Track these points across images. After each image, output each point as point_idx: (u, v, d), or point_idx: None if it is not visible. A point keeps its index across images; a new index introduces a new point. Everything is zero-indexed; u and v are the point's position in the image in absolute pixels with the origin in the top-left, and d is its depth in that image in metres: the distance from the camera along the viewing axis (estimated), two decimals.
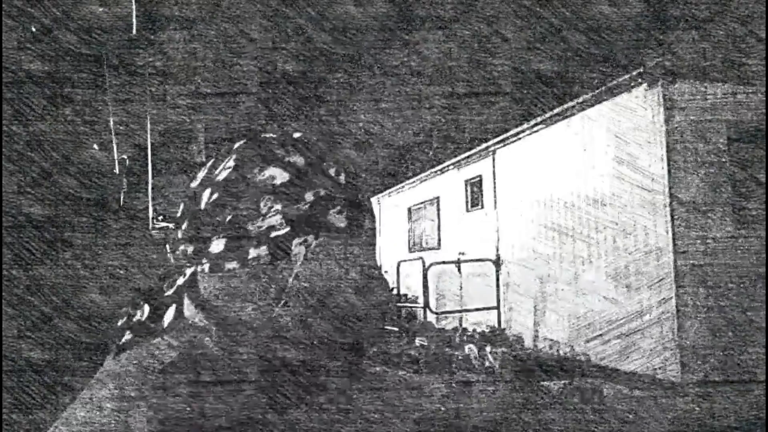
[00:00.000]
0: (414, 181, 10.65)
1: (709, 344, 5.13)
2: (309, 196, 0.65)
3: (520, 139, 7.73)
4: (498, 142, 8.12)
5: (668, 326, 5.23)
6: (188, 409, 0.64)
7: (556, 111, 6.88)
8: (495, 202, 8.23)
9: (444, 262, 8.61)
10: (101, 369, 0.69)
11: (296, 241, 0.64)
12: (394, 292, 9.11)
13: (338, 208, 0.66)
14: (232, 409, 0.66)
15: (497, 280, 7.96)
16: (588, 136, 6.47)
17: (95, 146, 3.84)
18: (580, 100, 6.48)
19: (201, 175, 0.69)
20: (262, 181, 0.64)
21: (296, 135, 0.69)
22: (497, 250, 8.10)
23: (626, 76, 5.82)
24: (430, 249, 9.80)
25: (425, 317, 8.61)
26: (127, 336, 0.68)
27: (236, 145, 0.69)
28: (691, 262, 5.23)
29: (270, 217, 0.63)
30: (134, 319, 0.70)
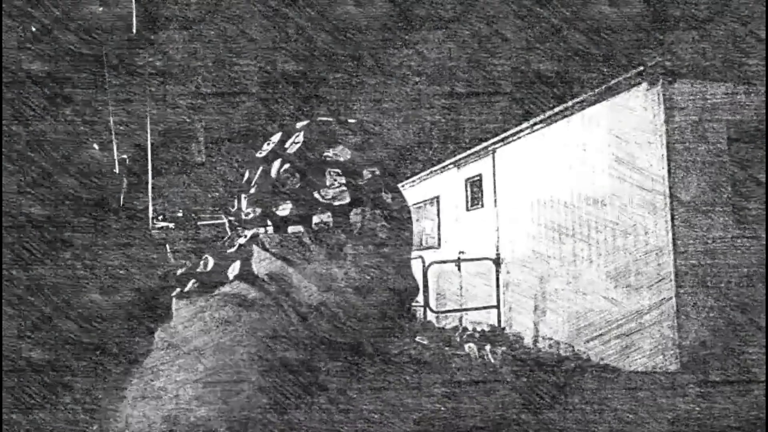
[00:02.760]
0: (414, 181, 10.65)
1: (709, 344, 5.13)
2: (366, 173, 0.75)
3: (520, 138, 7.73)
4: (498, 142, 8.12)
5: (668, 326, 5.23)
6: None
7: (556, 111, 6.88)
8: (495, 202, 8.23)
9: (444, 261, 8.61)
10: (171, 315, 0.73)
11: (355, 210, 0.73)
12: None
13: (387, 187, 0.76)
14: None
15: (497, 279, 7.96)
16: (588, 135, 6.47)
17: (95, 146, 3.84)
18: (580, 99, 6.48)
19: (268, 147, 0.78)
20: (328, 155, 0.74)
21: (351, 120, 0.80)
22: (497, 249, 8.10)
23: (626, 76, 5.82)
24: (430, 248, 9.80)
25: (425, 316, 8.61)
26: (192, 284, 0.75)
27: (300, 125, 0.79)
28: (691, 262, 5.23)
29: (334, 188, 0.72)
30: (197, 270, 0.77)
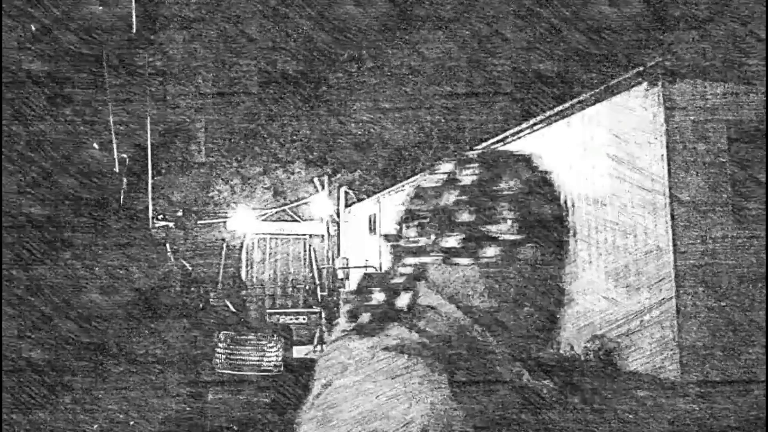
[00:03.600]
0: (413, 180, 10.65)
1: (709, 344, 5.13)
2: (546, 210, 0.75)
3: (520, 138, 7.73)
4: (498, 141, 8.11)
5: (668, 326, 5.23)
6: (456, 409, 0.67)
7: (556, 111, 6.88)
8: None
9: None
10: (342, 349, 0.73)
11: (524, 246, 0.72)
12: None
13: (566, 224, 0.77)
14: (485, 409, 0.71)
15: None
16: (588, 135, 6.47)
17: (95, 146, 3.85)
18: (580, 99, 6.48)
19: (439, 176, 0.77)
20: (501, 189, 0.74)
21: (517, 152, 0.79)
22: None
23: (626, 76, 5.81)
24: None
25: None
26: (365, 317, 0.74)
27: (473, 154, 0.78)
28: (691, 262, 5.23)
29: (506, 222, 0.72)
30: (370, 303, 0.76)
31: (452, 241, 0.72)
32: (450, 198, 0.74)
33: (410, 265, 0.76)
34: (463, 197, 0.73)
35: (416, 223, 0.76)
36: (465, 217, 0.72)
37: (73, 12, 3.55)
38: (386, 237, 0.82)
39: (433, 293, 0.74)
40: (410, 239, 0.76)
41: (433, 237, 0.74)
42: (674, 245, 5.23)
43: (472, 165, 0.76)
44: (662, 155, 5.38)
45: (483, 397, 0.71)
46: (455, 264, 0.72)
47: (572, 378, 5.41)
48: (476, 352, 0.73)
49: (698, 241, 5.29)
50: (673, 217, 5.26)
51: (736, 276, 5.28)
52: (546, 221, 0.76)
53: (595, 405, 4.38)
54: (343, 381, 0.67)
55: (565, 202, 0.80)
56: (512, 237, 0.72)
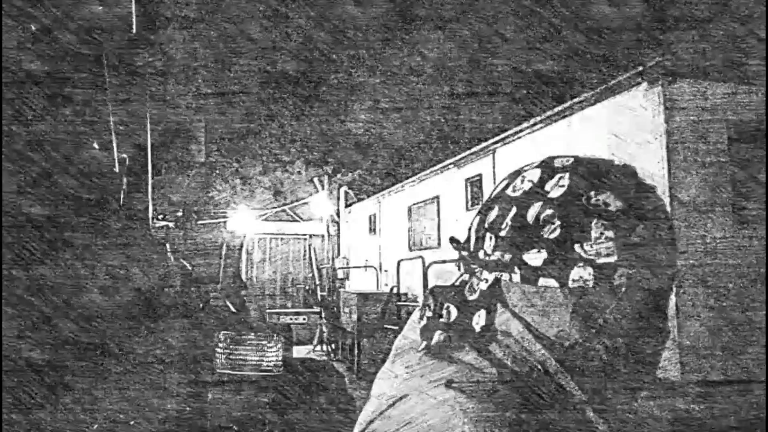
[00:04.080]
0: (414, 180, 10.65)
1: (709, 344, 5.13)
2: (641, 230, 0.67)
3: (520, 137, 7.73)
4: (498, 141, 8.12)
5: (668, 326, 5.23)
6: None
7: (556, 110, 6.88)
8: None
9: (444, 261, 8.61)
10: (411, 366, 0.69)
11: (621, 270, 0.65)
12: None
13: (665, 244, 0.71)
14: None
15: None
16: (588, 135, 6.47)
17: (95, 146, 3.84)
18: (580, 99, 6.48)
19: (524, 186, 0.70)
20: (596, 204, 0.65)
21: (617, 162, 0.72)
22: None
23: (626, 76, 5.81)
24: (429, 248, 9.80)
25: None
26: (439, 336, 0.69)
27: (563, 162, 0.70)
28: (691, 262, 5.23)
29: (600, 243, 0.64)
30: (442, 320, 0.71)
31: (535, 259, 0.65)
32: (535, 210, 0.67)
33: (487, 281, 0.70)
34: (550, 210, 0.66)
35: (494, 235, 0.69)
36: (551, 232, 0.65)
37: (73, 12, 3.55)
38: (456, 244, 0.75)
39: (511, 317, 0.68)
40: (486, 252, 0.70)
41: (512, 253, 0.67)
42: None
43: (563, 173, 0.68)
44: (662, 155, 5.37)
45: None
46: (538, 285, 0.66)
47: (572, 378, 5.41)
48: (555, 399, 0.66)
49: (698, 241, 5.29)
50: (673, 217, 5.26)
51: (736, 276, 5.28)
52: (650, 244, 0.68)
53: (595, 405, 4.37)
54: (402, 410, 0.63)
55: (672, 226, 0.72)
56: (608, 260, 0.64)
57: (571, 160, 0.70)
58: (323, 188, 12.39)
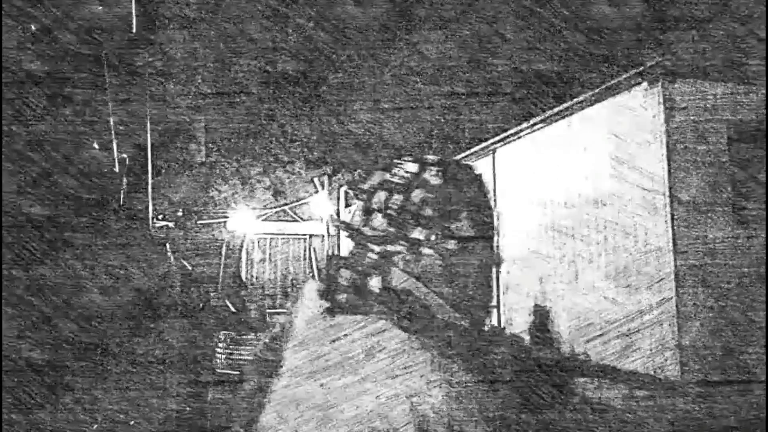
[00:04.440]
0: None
1: (709, 344, 5.13)
2: (495, 214, 0.91)
3: (520, 137, 7.73)
4: (498, 141, 8.12)
5: (668, 326, 5.23)
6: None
7: (556, 110, 6.88)
8: (495, 201, 8.23)
9: None
10: (315, 323, 0.83)
11: (479, 243, 0.88)
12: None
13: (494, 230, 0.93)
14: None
15: (497, 279, 7.96)
16: (588, 135, 6.47)
17: (95, 145, 3.84)
18: (580, 99, 6.48)
19: (403, 174, 0.88)
20: (462, 196, 0.87)
21: (477, 171, 0.94)
22: (497, 249, 8.08)
23: (626, 76, 5.81)
24: None
25: None
26: (342, 296, 0.84)
27: (435, 159, 0.91)
28: (691, 262, 5.23)
29: (463, 221, 0.86)
30: (341, 283, 0.86)
31: (418, 233, 0.84)
32: (419, 195, 0.85)
33: (377, 252, 0.86)
34: (430, 195, 0.85)
35: (383, 214, 0.86)
36: (429, 213, 0.84)
37: (73, 12, 3.55)
38: (344, 224, 0.92)
39: (406, 277, 0.84)
40: (377, 228, 0.86)
41: (400, 228, 0.84)
42: (674, 245, 5.23)
43: (436, 168, 0.88)
44: (662, 155, 5.37)
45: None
46: (421, 254, 0.84)
47: (572, 378, 5.41)
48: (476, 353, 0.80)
49: (698, 241, 5.29)
50: (673, 217, 5.26)
51: (736, 276, 5.28)
52: (485, 225, 0.90)
53: (595, 405, 4.38)
54: (344, 380, 0.71)
55: (497, 215, 0.93)
56: (467, 234, 0.86)
57: (438, 158, 0.91)
58: (323, 188, 12.40)
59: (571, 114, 6.72)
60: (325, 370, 0.74)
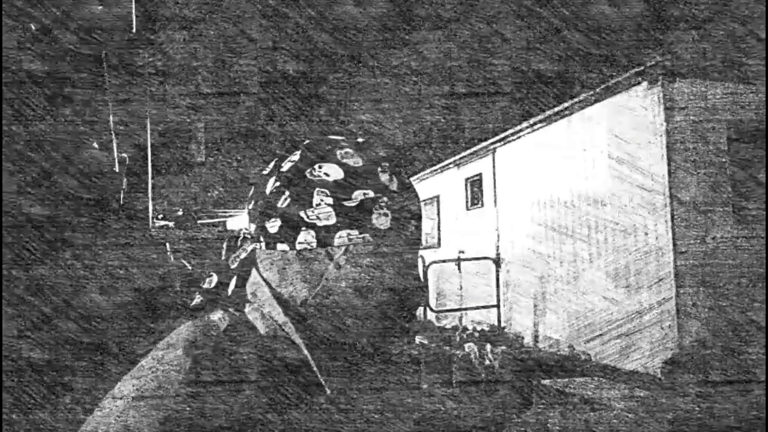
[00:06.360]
0: (414, 180, 10.66)
1: (709, 344, 5.13)
2: (358, 195, 0.73)
3: (520, 137, 7.73)
4: (498, 141, 8.12)
5: (668, 326, 5.23)
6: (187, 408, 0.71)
7: (556, 110, 6.88)
8: (495, 201, 8.24)
9: (444, 261, 8.61)
10: (176, 330, 0.78)
11: (341, 233, 0.72)
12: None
13: (384, 210, 0.75)
14: (232, 409, 0.73)
15: (497, 278, 7.96)
16: (588, 135, 6.47)
17: (95, 145, 3.84)
18: (580, 99, 6.48)
19: (271, 165, 0.79)
20: (318, 175, 0.74)
21: (360, 140, 0.80)
22: (497, 248, 8.10)
23: (626, 76, 5.82)
24: (430, 247, 9.80)
25: (425, 316, 8.62)
26: (198, 299, 0.79)
27: (306, 142, 0.79)
28: (691, 262, 5.23)
29: (320, 208, 0.72)
30: (204, 286, 0.80)
31: (272, 227, 0.74)
32: (270, 185, 0.76)
33: (245, 251, 0.80)
34: (279, 183, 0.75)
35: (249, 209, 0.79)
36: (282, 203, 0.74)
37: (73, 12, 3.55)
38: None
39: (261, 282, 0.76)
40: (244, 227, 0.80)
41: (256, 223, 0.76)
42: (674, 245, 5.23)
43: (295, 152, 0.77)
44: (662, 155, 5.38)
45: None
46: (277, 250, 0.74)
47: (572, 378, 5.41)
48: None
49: (698, 241, 5.30)
50: (673, 217, 5.27)
51: (736, 276, 5.28)
52: (365, 207, 0.74)
53: (595, 405, 4.38)
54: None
55: (387, 187, 0.76)
56: (327, 223, 0.72)
57: (308, 141, 0.80)
58: None
59: (571, 114, 6.72)
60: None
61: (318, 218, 0.72)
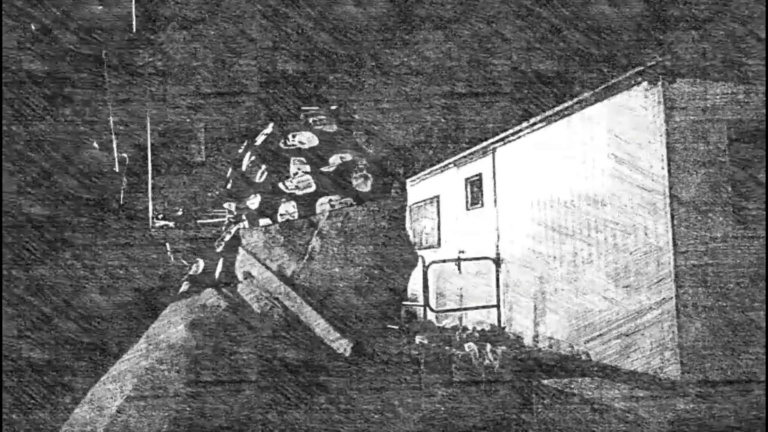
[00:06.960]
0: (414, 180, 10.65)
1: (709, 344, 5.13)
2: (335, 159, 0.71)
3: (520, 137, 7.73)
4: (498, 141, 8.12)
5: (668, 326, 5.23)
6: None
7: (556, 110, 6.88)
8: (495, 201, 8.24)
9: (444, 261, 8.61)
10: (162, 314, 0.76)
11: (321, 200, 0.70)
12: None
13: (363, 172, 0.72)
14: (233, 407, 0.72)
15: (497, 278, 7.96)
16: (588, 135, 6.47)
17: (95, 145, 3.84)
18: (580, 99, 6.48)
19: (246, 142, 0.77)
20: (292, 144, 0.72)
21: (333, 107, 0.78)
22: (497, 248, 8.10)
23: (626, 76, 5.81)
24: (429, 247, 9.80)
25: (425, 316, 8.62)
26: (185, 286, 0.77)
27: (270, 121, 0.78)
28: (691, 262, 5.23)
29: (298, 177, 0.70)
30: (191, 272, 0.78)
31: (252, 203, 0.72)
32: (246, 160, 0.74)
33: (228, 233, 0.77)
34: (254, 157, 0.73)
35: (227, 188, 0.76)
36: (260, 177, 0.72)
37: (73, 12, 3.55)
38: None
39: (252, 260, 0.73)
40: (225, 204, 0.77)
41: (236, 202, 0.74)
42: (674, 245, 5.23)
43: (267, 125, 0.76)
44: (662, 155, 5.37)
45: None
46: (260, 226, 0.72)
47: (573, 378, 5.41)
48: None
49: (698, 241, 5.29)
50: (673, 217, 5.26)
51: (736, 276, 5.28)
52: (346, 171, 0.72)
53: (595, 405, 4.38)
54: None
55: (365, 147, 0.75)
56: (307, 191, 0.70)
57: (284, 115, 0.79)
58: None
59: (571, 114, 6.72)
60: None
61: (297, 188, 0.70)
